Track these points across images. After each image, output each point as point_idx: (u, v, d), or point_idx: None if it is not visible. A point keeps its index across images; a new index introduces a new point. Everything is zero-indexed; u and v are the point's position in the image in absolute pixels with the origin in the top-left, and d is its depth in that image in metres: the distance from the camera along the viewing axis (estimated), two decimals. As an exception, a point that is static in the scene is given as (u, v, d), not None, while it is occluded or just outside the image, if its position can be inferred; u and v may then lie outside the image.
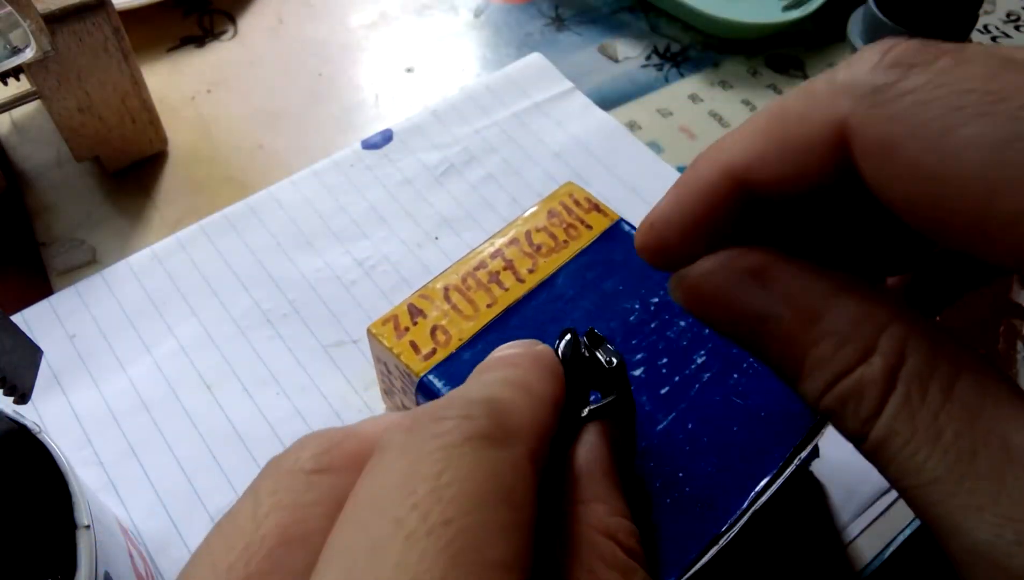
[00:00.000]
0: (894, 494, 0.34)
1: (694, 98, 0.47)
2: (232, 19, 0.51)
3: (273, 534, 0.15)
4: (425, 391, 0.29)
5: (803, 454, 0.26)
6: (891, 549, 0.32)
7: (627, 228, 0.33)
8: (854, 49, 0.47)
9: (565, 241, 0.32)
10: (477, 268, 0.31)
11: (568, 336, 0.22)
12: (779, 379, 0.17)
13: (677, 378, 0.27)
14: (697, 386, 0.27)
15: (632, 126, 0.45)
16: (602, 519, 0.18)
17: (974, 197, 0.13)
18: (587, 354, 0.22)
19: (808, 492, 0.33)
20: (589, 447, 0.20)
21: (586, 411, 0.21)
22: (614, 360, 0.22)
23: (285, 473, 0.17)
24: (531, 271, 0.31)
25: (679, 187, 0.19)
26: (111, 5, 0.37)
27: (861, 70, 0.16)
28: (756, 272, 0.17)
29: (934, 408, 0.14)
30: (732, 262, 0.17)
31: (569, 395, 0.21)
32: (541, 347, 0.21)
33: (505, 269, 0.31)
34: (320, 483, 0.16)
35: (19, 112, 0.46)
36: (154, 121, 0.43)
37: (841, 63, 0.17)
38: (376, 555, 0.14)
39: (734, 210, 0.18)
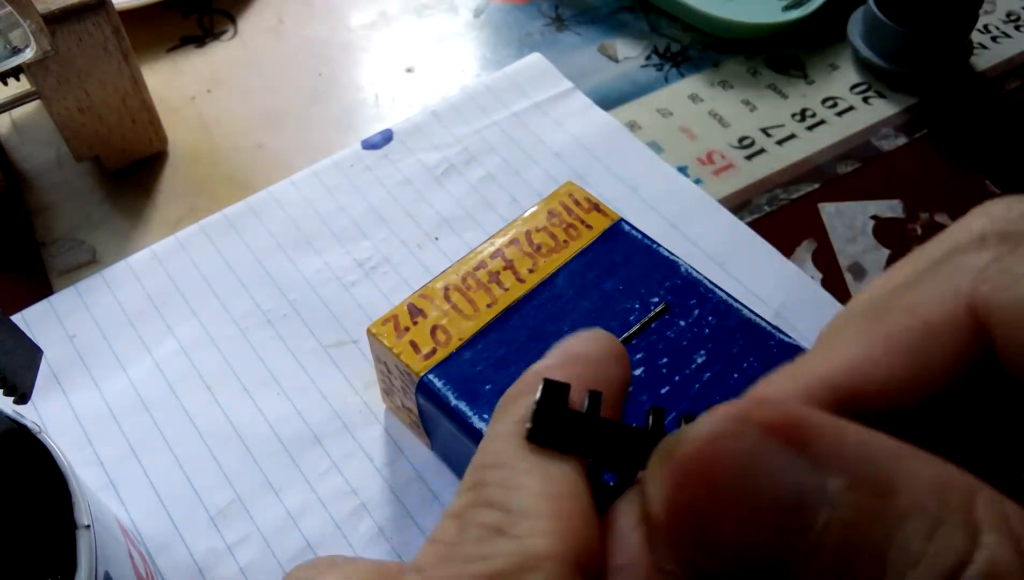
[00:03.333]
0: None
1: (694, 98, 0.47)
2: (232, 19, 0.51)
3: None
4: (425, 390, 0.29)
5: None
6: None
7: (627, 228, 0.33)
8: (854, 49, 0.47)
9: (565, 241, 0.32)
10: (477, 268, 0.31)
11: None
12: None
13: (677, 378, 0.27)
14: (697, 386, 0.27)
15: (632, 126, 0.45)
16: None
17: None
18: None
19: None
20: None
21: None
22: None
23: None
24: (531, 271, 0.31)
25: None
26: (111, 5, 0.37)
27: (966, 252, 0.14)
28: (788, 429, 0.11)
29: None
30: (752, 415, 0.12)
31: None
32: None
33: (505, 269, 0.31)
34: None
35: (19, 112, 0.46)
36: (154, 121, 0.43)
37: (918, 253, 0.14)
38: None
39: None
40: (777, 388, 0.14)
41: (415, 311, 0.30)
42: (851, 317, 0.14)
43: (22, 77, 0.38)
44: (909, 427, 0.13)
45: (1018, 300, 0.13)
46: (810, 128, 0.45)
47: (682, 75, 0.48)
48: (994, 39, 0.50)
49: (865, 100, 0.46)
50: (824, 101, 0.46)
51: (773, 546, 0.11)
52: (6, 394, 0.22)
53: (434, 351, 0.29)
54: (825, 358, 0.14)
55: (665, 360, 0.28)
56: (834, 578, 0.11)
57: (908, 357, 0.13)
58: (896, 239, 0.41)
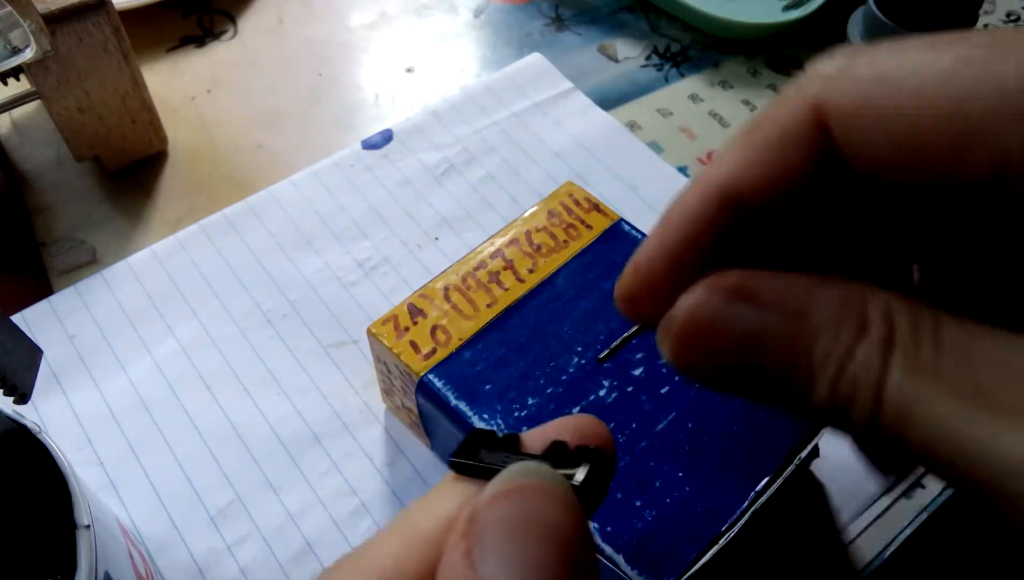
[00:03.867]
0: (895, 494, 0.33)
1: (694, 98, 0.47)
2: (232, 19, 0.51)
3: None
4: (425, 390, 0.29)
5: (803, 454, 0.26)
6: (891, 549, 0.32)
7: (627, 228, 0.33)
8: (854, 49, 0.47)
9: (565, 241, 0.32)
10: (477, 268, 0.31)
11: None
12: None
13: (677, 378, 0.27)
14: (697, 386, 0.27)
15: (632, 126, 0.45)
16: None
17: (946, 114, 0.15)
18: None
19: (808, 492, 0.33)
20: None
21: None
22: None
23: None
24: (531, 271, 0.31)
25: (663, 223, 0.18)
26: (111, 5, 0.37)
27: (819, 63, 0.17)
28: (738, 290, 0.16)
29: (930, 357, 0.15)
30: (716, 286, 0.17)
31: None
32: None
33: (505, 269, 0.31)
34: None
35: (19, 112, 0.46)
36: (154, 121, 0.43)
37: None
38: None
39: (724, 234, 0.18)
40: (688, 192, 0.18)
41: (415, 311, 0.30)
42: (737, 133, 0.18)
43: (22, 77, 0.38)
44: (782, 226, 0.18)
45: (846, 93, 0.16)
46: (810, 128, 0.45)
47: (682, 75, 0.48)
48: (994, 39, 0.50)
49: (865, 100, 0.46)
50: (824, 101, 0.46)
51: (747, 361, 0.16)
52: (6, 394, 0.22)
53: (434, 351, 0.29)
54: (715, 168, 0.18)
55: (665, 360, 0.28)
56: (783, 375, 0.16)
57: (771, 157, 0.17)
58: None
